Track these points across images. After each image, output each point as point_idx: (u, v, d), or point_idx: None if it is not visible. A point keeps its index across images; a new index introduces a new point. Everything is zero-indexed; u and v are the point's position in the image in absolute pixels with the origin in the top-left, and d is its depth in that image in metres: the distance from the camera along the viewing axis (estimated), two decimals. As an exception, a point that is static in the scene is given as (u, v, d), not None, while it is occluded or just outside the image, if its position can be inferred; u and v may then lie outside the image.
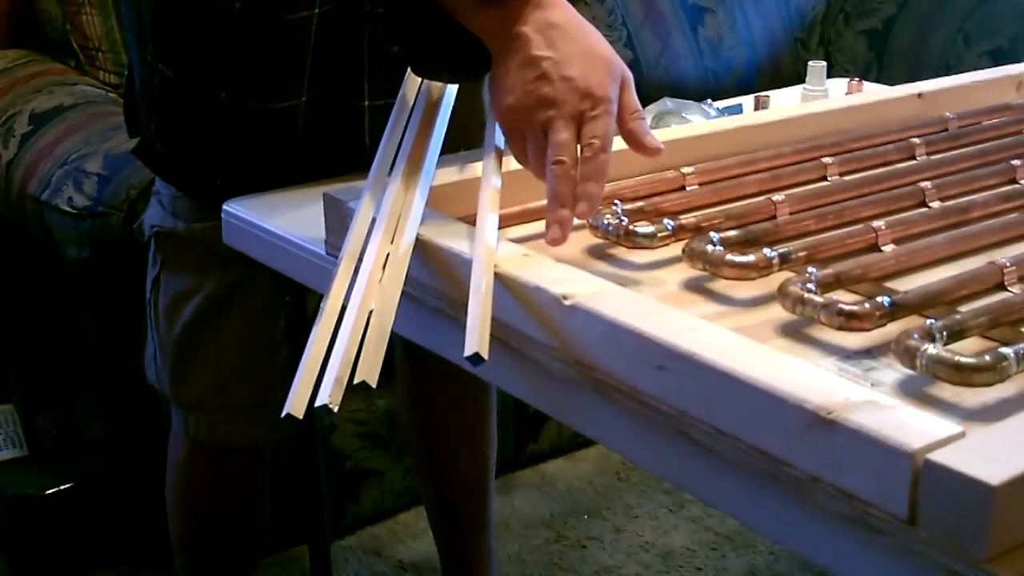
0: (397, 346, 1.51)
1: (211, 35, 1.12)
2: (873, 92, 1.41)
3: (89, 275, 1.71)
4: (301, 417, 0.79)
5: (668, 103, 1.61)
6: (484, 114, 1.23)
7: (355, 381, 0.77)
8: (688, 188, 1.04)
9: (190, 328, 1.26)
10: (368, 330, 0.81)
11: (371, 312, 0.82)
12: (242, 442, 1.33)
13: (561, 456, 2.17)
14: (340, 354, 0.79)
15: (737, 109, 1.65)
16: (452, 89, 1.10)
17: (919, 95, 1.27)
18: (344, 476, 1.89)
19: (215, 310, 1.25)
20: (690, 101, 1.62)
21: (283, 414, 0.78)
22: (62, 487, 1.76)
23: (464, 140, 1.12)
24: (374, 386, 0.77)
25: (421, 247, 0.89)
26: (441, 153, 1.02)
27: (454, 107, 1.09)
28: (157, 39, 1.16)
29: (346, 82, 1.16)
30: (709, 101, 1.65)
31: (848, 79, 1.76)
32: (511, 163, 1.04)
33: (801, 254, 0.87)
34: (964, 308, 0.79)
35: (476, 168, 1.00)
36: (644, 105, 1.65)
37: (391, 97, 1.10)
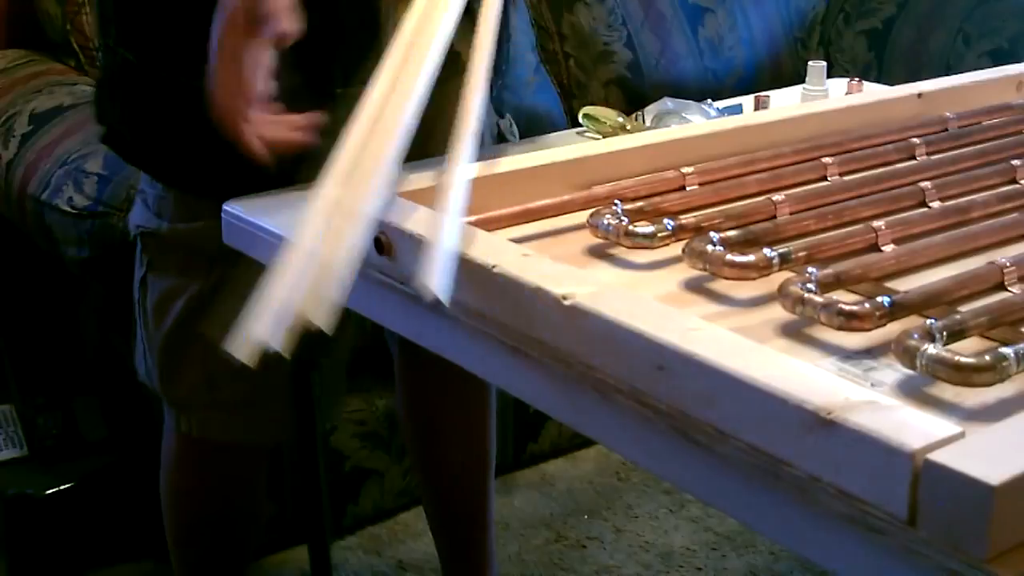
0: (393, 346, 1.51)
1: (172, 18, 1.11)
2: (873, 92, 1.41)
3: (89, 275, 1.71)
4: (248, 360, 0.79)
5: (668, 103, 1.62)
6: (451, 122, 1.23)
7: (298, 320, 0.78)
8: (688, 188, 1.04)
9: (178, 327, 1.26)
10: (321, 268, 0.81)
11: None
12: (232, 441, 1.33)
13: (561, 456, 2.17)
14: (288, 294, 0.79)
15: (737, 109, 1.65)
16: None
17: (919, 95, 1.27)
18: (344, 476, 1.89)
19: (202, 309, 1.25)
20: (690, 101, 1.63)
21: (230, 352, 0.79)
22: (62, 487, 1.76)
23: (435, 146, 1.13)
24: (327, 330, 0.78)
25: (418, 245, 0.89)
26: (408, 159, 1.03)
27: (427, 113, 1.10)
28: (119, 23, 1.15)
29: (320, 67, 1.15)
30: (709, 101, 1.65)
31: (848, 79, 1.77)
32: (511, 163, 1.04)
33: (801, 254, 0.87)
34: (964, 308, 0.79)
35: (473, 169, 1.01)
36: (644, 105, 1.66)
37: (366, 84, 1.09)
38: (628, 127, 1.48)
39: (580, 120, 1.52)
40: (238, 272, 1.19)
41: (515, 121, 2.01)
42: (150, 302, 1.28)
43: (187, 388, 1.29)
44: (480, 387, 1.51)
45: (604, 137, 1.43)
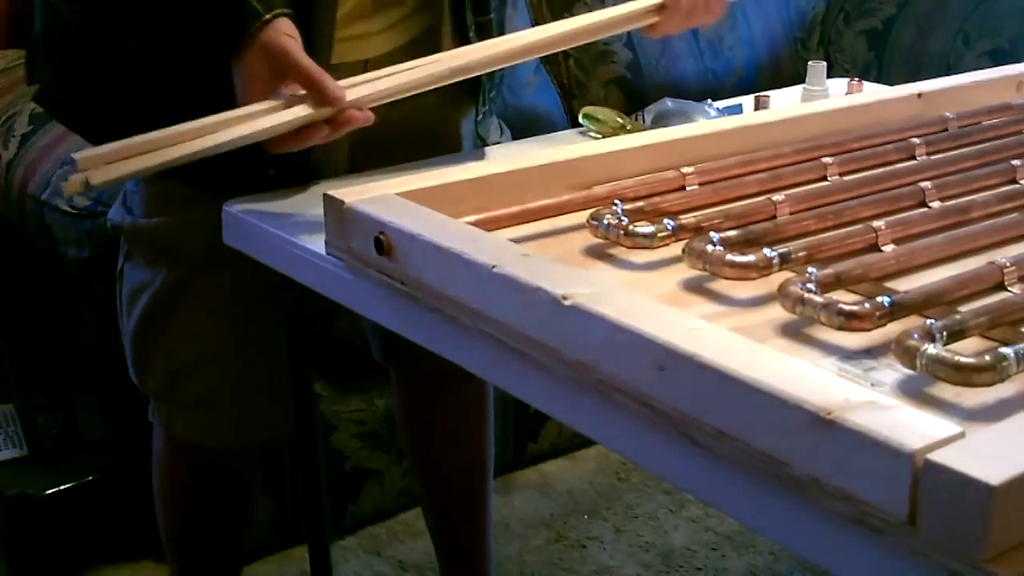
0: (374, 343, 1.49)
1: None
2: (873, 92, 1.41)
3: (89, 275, 1.71)
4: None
5: (668, 103, 1.61)
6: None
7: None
8: (688, 188, 1.04)
9: (144, 320, 1.28)
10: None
11: None
12: (196, 439, 1.33)
13: (561, 456, 2.17)
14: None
15: (737, 109, 1.65)
16: None
17: (919, 95, 1.27)
18: (344, 476, 1.89)
19: (164, 305, 1.26)
20: (690, 101, 1.62)
21: None
22: (62, 487, 1.76)
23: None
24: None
25: (418, 246, 0.89)
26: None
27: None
28: None
29: None
30: (709, 101, 1.65)
31: (848, 79, 1.76)
32: (511, 163, 1.04)
33: (801, 254, 0.87)
34: (964, 308, 0.79)
35: (473, 169, 1.01)
36: (644, 105, 1.65)
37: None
38: (628, 127, 1.48)
39: (580, 120, 1.52)
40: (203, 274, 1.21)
41: (515, 121, 2.01)
42: (124, 294, 1.30)
43: (154, 381, 1.31)
44: (477, 389, 1.51)
45: (604, 137, 1.43)
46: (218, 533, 1.46)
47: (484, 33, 1.24)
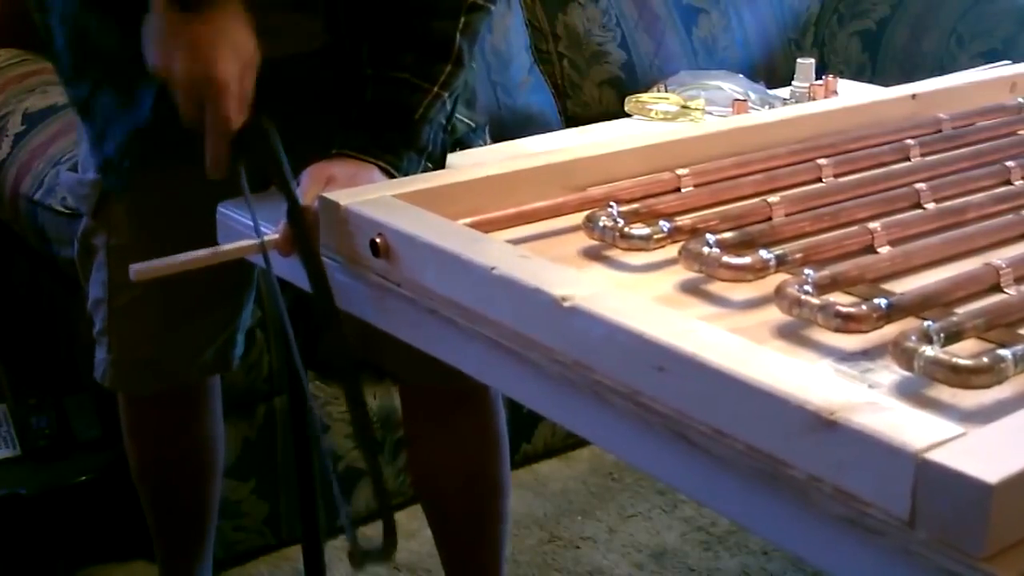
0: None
1: None
2: (867, 93, 1.41)
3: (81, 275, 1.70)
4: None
5: (685, 76, 1.60)
6: None
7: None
8: (684, 190, 1.04)
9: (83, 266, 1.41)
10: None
11: None
12: (118, 388, 1.43)
13: (555, 456, 2.17)
14: None
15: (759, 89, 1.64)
16: None
17: (913, 96, 1.27)
18: (337, 476, 1.88)
19: (86, 253, 1.38)
20: (711, 70, 1.61)
21: None
22: (55, 487, 1.76)
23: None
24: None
25: (416, 248, 0.89)
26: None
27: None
28: None
29: None
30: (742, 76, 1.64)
31: (826, 77, 1.77)
32: (506, 165, 1.04)
33: (797, 256, 0.87)
34: (960, 310, 0.79)
35: (468, 171, 1.02)
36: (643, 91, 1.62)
37: None
38: (690, 105, 1.47)
39: (626, 108, 1.50)
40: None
41: (509, 121, 2.00)
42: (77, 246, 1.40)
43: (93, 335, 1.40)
44: (474, 389, 1.48)
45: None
46: (170, 478, 1.53)
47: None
